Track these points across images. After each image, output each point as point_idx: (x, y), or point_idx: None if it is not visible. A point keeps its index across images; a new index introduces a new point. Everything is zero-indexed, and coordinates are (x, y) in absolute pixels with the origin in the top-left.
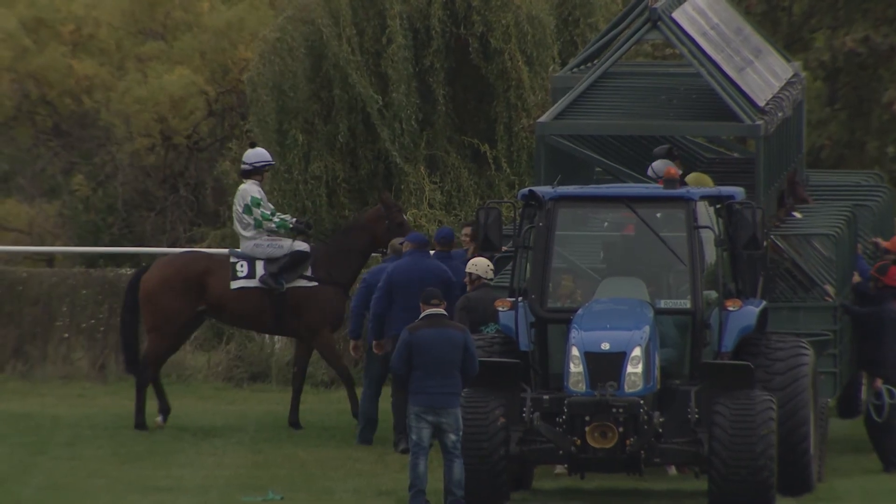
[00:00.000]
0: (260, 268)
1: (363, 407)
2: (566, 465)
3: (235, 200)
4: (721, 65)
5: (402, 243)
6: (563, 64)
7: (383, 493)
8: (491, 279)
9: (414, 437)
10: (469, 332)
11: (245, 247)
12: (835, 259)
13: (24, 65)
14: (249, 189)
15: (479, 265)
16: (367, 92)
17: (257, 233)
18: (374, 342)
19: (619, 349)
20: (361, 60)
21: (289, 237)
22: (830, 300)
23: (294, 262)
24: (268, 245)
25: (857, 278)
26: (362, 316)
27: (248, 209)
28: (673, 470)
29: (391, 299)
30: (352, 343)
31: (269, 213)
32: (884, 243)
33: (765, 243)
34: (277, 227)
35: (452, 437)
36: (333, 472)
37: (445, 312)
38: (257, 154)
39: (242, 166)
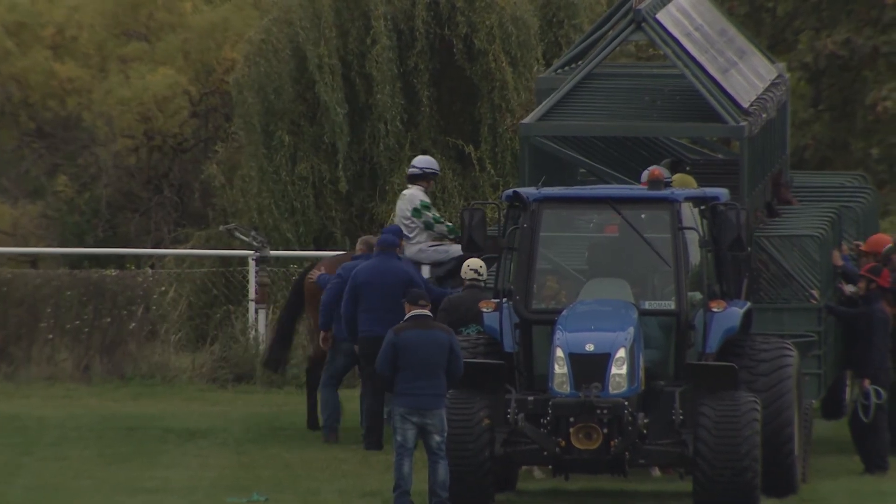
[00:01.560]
0: (426, 272)
1: (325, 395)
2: (549, 468)
3: (400, 206)
4: (705, 66)
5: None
6: (548, 65)
7: (368, 493)
8: (472, 279)
9: (399, 438)
10: (454, 334)
11: (409, 251)
12: (819, 260)
13: (7, 67)
14: (417, 193)
15: (462, 266)
16: (331, 102)
17: (425, 237)
18: (322, 334)
19: (604, 350)
20: (339, 63)
21: (455, 242)
22: (815, 302)
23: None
24: (433, 250)
25: (848, 289)
26: (333, 309)
27: (416, 212)
28: (657, 471)
29: (357, 300)
30: (322, 334)
31: (438, 215)
32: (861, 246)
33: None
34: (449, 231)
35: (437, 438)
36: (318, 473)
37: (431, 314)
38: (427, 161)
39: (411, 170)
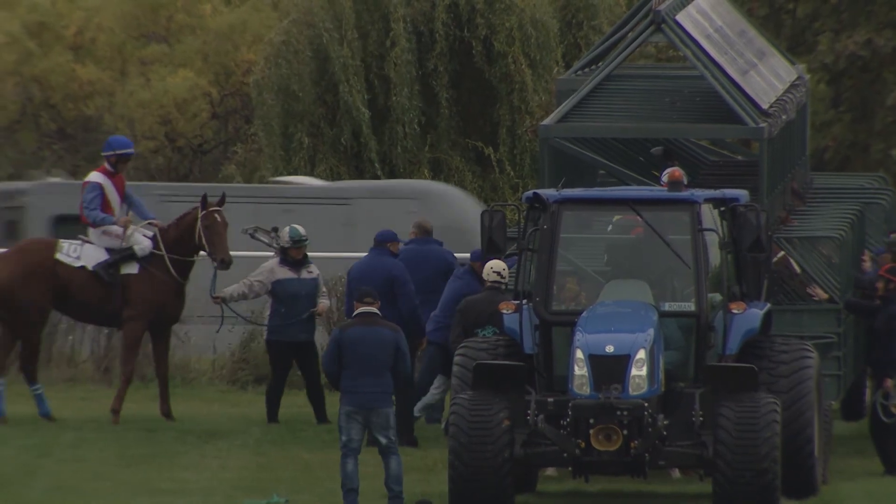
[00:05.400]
0: None
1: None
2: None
3: None
4: (725, 67)
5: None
6: (567, 67)
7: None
8: (494, 281)
9: (344, 437)
10: (402, 332)
11: None
12: (839, 262)
13: (28, 68)
14: None
15: (485, 268)
16: (356, 103)
17: None
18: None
19: (624, 352)
20: (361, 65)
21: None
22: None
23: None
24: None
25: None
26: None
27: None
28: (677, 473)
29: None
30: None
31: None
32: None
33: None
34: None
35: (383, 440)
36: (337, 475)
37: (378, 311)
38: None
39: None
